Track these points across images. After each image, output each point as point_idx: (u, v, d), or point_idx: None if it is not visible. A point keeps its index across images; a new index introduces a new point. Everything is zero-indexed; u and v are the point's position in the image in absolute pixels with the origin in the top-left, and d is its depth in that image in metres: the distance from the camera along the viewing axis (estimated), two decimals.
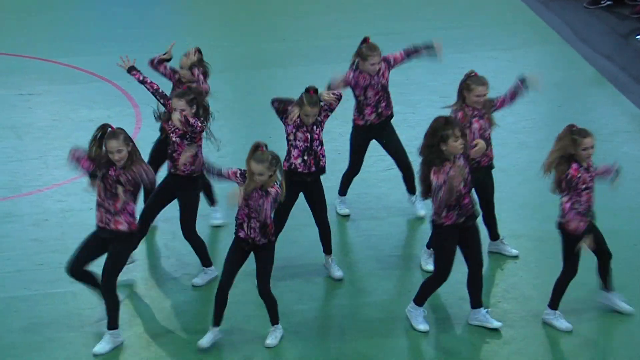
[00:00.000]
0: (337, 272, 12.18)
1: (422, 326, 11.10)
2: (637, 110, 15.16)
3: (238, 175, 10.61)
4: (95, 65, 15.95)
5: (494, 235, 12.36)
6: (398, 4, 18.00)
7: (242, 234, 10.70)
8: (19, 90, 15.38)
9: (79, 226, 12.58)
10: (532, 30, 17.29)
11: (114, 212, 10.50)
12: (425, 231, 12.61)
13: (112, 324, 10.91)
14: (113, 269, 10.74)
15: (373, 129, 12.65)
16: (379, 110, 12.53)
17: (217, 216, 12.80)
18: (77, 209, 13.01)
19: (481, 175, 11.65)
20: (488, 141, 11.62)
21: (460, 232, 10.84)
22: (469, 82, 11.64)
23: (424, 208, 12.71)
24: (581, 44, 16.78)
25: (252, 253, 10.78)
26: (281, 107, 11.77)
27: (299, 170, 11.61)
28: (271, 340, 11.02)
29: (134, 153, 10.44)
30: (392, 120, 12.72)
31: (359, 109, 12.54)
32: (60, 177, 13.59)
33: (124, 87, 15.45)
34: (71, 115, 14.86)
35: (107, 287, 10.81)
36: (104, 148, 10.42)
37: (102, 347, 10.90)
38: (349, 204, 13.14)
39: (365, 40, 12.42)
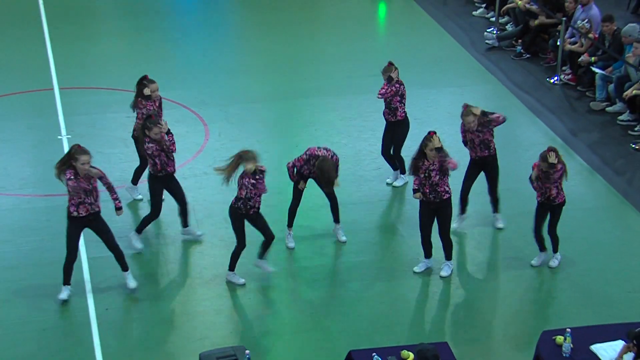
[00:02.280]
0: (342, 237, 12.08)
1: None
2: (548, 129, 15.09)
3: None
4: (178, 96, 15.92)
5: (494, 209, 12.39)
6: (388, 56, 18.00)
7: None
8: (127, 114, 15.34)
9: (167, 207, 12.35)
10: (476, 73, 17.21)
11: (92, 201, 10.47)
12: (403, 211, 12.64)
13: (125, 267, 10.93)
14: (110, 233, 10.72)
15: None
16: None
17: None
18: (166, 195, 12.69)
19: (489, 162, 12.04)
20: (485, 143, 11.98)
21: (434, 209, 10.97)
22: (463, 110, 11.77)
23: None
24: (509, 83, 16.70)
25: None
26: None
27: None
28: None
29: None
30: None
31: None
32: None
33: (197, 112, 15.41)
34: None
35: (115, 246, 10.78)
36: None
37: (132, 282, 10.95)
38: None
39: (391, 63, 12.71)
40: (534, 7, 17.69)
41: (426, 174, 10.77)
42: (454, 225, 11.83)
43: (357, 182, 13.34)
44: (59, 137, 14.39)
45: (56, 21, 19.21)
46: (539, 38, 17.75)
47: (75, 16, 19.69)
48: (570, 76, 16.67)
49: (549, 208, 11.29)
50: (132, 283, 10.93)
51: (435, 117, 15.32)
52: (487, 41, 18.35)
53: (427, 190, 10.83)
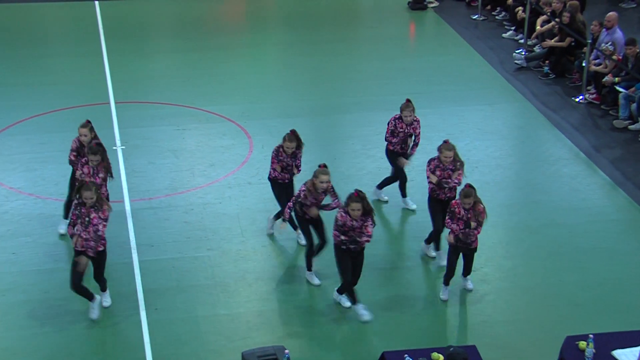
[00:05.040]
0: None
1: None
2: (573, 145, 14.97)
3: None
4: (224, 111, 16.02)
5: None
6: (421, 74, 17.97)
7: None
8: (177, 127, 15.42)
9: (213, 214, 12.69)
10: (505, 92, 17.13)
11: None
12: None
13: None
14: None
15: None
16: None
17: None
18: (212, 202, 12.95)
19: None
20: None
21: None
22: (441, 147, 11.14)
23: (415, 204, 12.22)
24: (536, 102, 16.61)
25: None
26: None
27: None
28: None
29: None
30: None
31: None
32: (201, 182, 13.49)
33: (242, 125, 15.48)
34: (209, 143, 14.89)
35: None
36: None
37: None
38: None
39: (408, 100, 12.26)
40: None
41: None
42: (434, 254, 11.61)
43: (393, 195, 13.34)
44: (114, 147, 14.52)
45: (113, 39, 19.43)
46: (565, 59, 17.66)
47: (131, 34, 19.91)
48: (594, 95, 16.54)
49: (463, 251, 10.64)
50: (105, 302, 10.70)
51: (466, 132, 15.27)
52: (515, 62, 18.26)
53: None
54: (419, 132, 12.29)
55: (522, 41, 19.22)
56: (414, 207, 12.72)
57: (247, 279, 11.35)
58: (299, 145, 11.56)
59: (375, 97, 16.70)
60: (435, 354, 8.81)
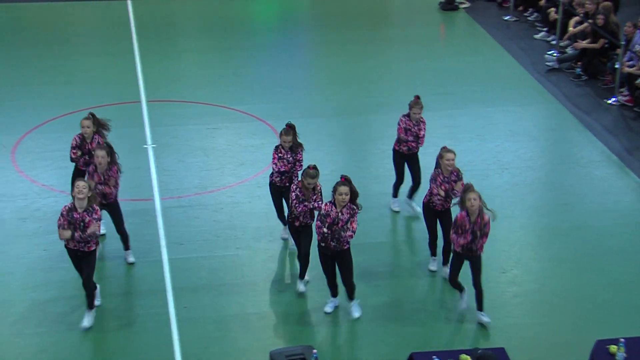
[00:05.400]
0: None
1: None
2: (604, 147, 14.85)
3: None
4: (254, 110, 16.02)
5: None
6: (452, 74, 17.91)
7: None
8: (208, 125, 15.48)
9: (242, 213, 12.73)
10: (536, 93, 17.02)
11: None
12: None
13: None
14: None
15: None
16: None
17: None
18: (241, 201, 12.99)
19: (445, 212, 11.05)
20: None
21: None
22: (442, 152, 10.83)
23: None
24: (568, 103, 16.49)
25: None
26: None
27: None
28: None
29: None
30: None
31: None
32: (231, 181, 13.54)
33: (272, 125, 15.50)
34: (239, 142, 14.92)
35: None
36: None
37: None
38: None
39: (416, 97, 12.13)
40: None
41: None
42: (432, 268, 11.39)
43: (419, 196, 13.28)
44: (145, 146, 14.60)
45: (145, 38, 19.55)
46: (598, 61, 17.51)
47: (162, 34, 20.02)
48: (627, 97, 16.39)
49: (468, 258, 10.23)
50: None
51: (497, 134, 15.20)
52: (547, 63, 18.13)
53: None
54: (423, 135, 12.07)
55: (554, 42, 19.08)
56: (418, 209, 12.22)
57: (275, 278, 11.36)
58: (297, 142, 11.39)
59: (404, 98, 16.47)
60: (463, 356, 8.77)
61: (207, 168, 13.93)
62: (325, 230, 9.92)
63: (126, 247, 11.45)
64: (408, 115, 12.07)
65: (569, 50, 18.40)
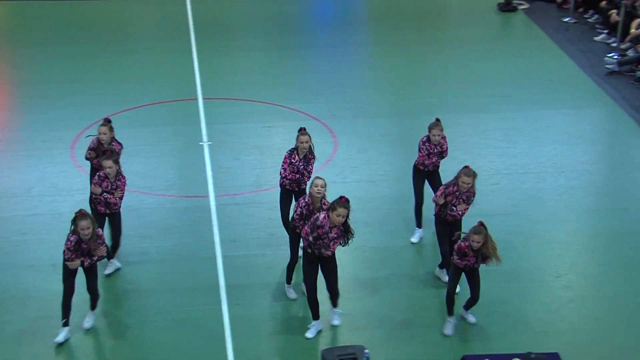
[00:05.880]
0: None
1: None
2: None
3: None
4: (310, 109, 16.05)
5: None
6: (509, 76, 17.75)
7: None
8: (263, 124, 15.57)
9: None
10: (594, 96, 16.81)
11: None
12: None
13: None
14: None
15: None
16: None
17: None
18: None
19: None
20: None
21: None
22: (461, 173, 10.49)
23: None
24: (628, 107, 16.25)
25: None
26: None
27: None
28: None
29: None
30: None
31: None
32: None
33: (327, 124, 15.53)
34: (294, 141, 15.01)
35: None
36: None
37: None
38: None
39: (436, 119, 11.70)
40: None
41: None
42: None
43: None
44: (200, 143, 14.73)
45: (203, 36, 19.72)
46: None
47: (220, 32, 20.18)
48: None
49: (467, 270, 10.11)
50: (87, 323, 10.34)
51: (552, 136, 15.04)
52: (607, 65, 17.88)
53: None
54: (447, 147, 11.70)
55: (615, 45, 18.80)
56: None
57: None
58: (312, 148, 11.13)
59: (460, 99, 16.57)
60: None
61: (262, 166, 13.99)
62: (310, 238, 9.70)
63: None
64: (428, 139, 11.56)
65: (630, 53, 18.11)
